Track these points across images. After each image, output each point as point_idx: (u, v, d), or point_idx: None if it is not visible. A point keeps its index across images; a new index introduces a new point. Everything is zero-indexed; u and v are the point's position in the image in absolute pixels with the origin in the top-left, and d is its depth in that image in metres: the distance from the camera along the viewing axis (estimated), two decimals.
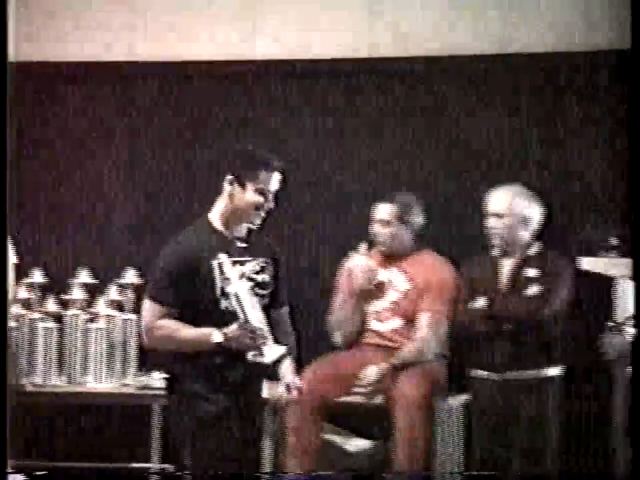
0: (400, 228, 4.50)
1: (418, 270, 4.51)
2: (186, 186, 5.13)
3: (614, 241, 4.28)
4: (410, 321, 4.49)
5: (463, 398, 4.42)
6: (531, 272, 4.08)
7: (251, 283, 3.28)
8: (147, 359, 4.55)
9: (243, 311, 3.18)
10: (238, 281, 3.22)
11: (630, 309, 4.17)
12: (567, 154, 4.70)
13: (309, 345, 4.30)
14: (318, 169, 5.05)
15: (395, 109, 4.91)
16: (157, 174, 5.17)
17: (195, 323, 3.25)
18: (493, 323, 4.11)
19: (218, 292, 3.26)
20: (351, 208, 4.97)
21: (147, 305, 3.35)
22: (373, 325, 4.54)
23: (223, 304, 3.26)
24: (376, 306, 4.54)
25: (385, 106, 4.91)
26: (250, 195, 3.27)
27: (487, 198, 4.22)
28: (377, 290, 4.55)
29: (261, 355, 3.19)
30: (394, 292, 4.53)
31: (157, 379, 4.38)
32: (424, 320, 4.44)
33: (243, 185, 3.27)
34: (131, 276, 4.64)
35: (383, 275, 4.54)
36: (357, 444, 4.56)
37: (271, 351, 3.19)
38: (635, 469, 2.84)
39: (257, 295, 3.28)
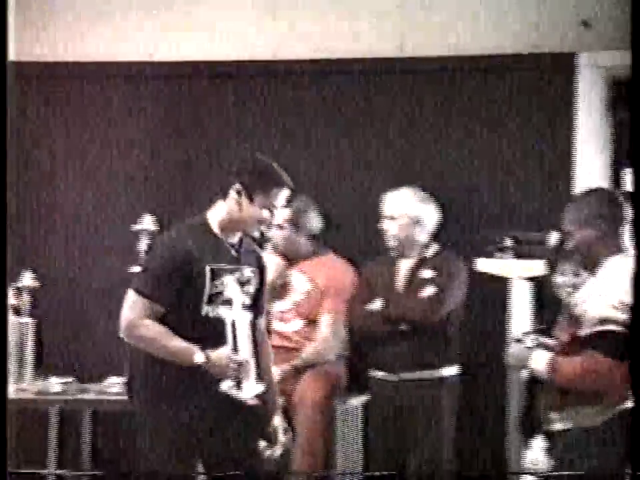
0: (294, 232, 4.57)
1: (319, 272, 4.57)
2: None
3: (508, 242, 4.36)
4: (311, 322, 4.54)
5: (363, 398, 4.48)
6: (427, 273, 4.16)
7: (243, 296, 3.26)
8: (43, 364, 4.54)
9: (234, 339, 3.10)
10: (236, 304, 3.16)
11: (527, 311, 4.30)
12: (464, 155, 4.79)
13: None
14: None
15: (294, 110, 4.96)
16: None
17: (176, 328, 3.16)
18: (390, 324, 4.18)
19: (205, 298, 3.20)
20: None
21: (134, 298, 3.21)
22: (275, 325, 4.57)
23: (205, 310, 3.21)
24: (278, 307, 4.60)
25: (281, 107, 4.95)
26: (256, 209, 3.23)
27: (383, 201, 4.28)
28: (280, 290, 4.61)
29: (238, 389, 3.11)
30: (295, 293, 4.58)
31: (55, 384, 4.38)
32: (325, 321, 4.49)
33: (250, 198, 3.22)
34: (27, 279, 4.58)
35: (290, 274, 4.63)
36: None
37: (250, 388, 3.12)
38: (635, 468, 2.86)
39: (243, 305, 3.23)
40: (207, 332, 3.17)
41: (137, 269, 4.06)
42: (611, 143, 4.74)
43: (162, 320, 3.17)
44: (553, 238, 4.01)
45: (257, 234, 3.34)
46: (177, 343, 3.16)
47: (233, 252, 3.28)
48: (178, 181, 5.07)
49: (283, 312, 4.59)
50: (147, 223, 4.58)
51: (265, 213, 3.24)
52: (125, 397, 3.48)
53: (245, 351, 3.11)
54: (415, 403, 4.14)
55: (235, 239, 3.30)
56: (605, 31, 4.56)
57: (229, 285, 3.18)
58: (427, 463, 4.15)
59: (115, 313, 3.26)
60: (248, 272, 3.31)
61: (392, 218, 4.23)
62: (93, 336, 4.88)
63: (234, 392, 3.09)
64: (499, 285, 4.40)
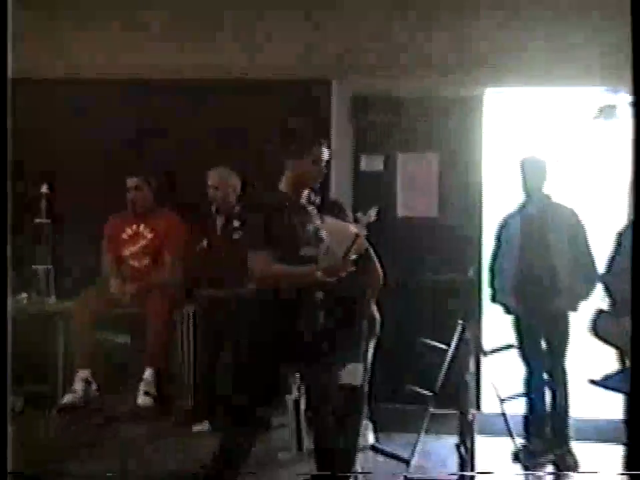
0: (146, 193, 6.47)
1: (158, 223, 6.49)
2: None
3: None
4: (155, 259, 6.47)
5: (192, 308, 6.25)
6: (236, 223, 6.13)
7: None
8: None
9: None
10: None
11: None
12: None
13: None
14: None
15: None
16: None
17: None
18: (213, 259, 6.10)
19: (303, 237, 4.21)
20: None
21: (255, 255, 4.17)
22: (131, 262, 6.50)
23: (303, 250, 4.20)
24: (132, 248, 6.50)
25: None
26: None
27: (208, 176, 6.23)
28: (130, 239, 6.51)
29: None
30: (143, 239, 6.50)
31: None
32: (167, 258, 6.43)
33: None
34: None
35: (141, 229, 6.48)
36: (124, 339, 6.35)
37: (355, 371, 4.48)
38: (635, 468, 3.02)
39: None
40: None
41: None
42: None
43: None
44: None
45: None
46: (302, 269, 4.18)
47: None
48: None
49: (135, 253, 6.52)
50: None
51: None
52: None
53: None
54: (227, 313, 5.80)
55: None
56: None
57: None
58: None
59: None
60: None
61: (215, 187, 6.18)
62: None
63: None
64: None
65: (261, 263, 4.19)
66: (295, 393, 5.51)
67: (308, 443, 5.26)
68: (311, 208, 4.37)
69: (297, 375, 5.39)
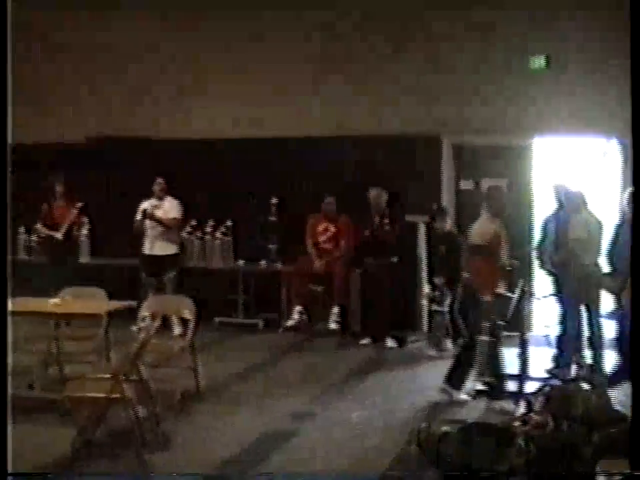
0: (332, 206, 10.99)
1: (339, 223, 10.89)
2: None
3: None
4: (337, 243, 10.88)
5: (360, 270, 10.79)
6: (385, 220, 10.55)
7: None
8: None
9: None
10: None
11: None
12: None
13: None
14: None
15: None
16: None
17: None
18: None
19: None
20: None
21: None
22: (322, 245, 10.97)
23: None
24: (323, 237, 11.00)
25: None
26: None
27: (369, 193, 10.71)
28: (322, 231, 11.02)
29: None
30: (330, 232, 10.95)
31: None
32: (343, 243, 10.83)
33: None
34: None
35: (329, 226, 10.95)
36: (321, 288, 10.72)
37: None
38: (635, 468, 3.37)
39: None
40: None
41: None
42: None
43: None
44: None
45: None
46: None
47: None
48: None
49: (325, 240, 11.13)
50: None
51: None
52: None
53: None
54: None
55: None
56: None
57: None
58: None
59: None
60: None
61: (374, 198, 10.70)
62: None
63: None
64: None
65: None
66: None
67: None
68: None
69: None
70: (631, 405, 4.05)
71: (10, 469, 4.14)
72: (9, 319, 4.25)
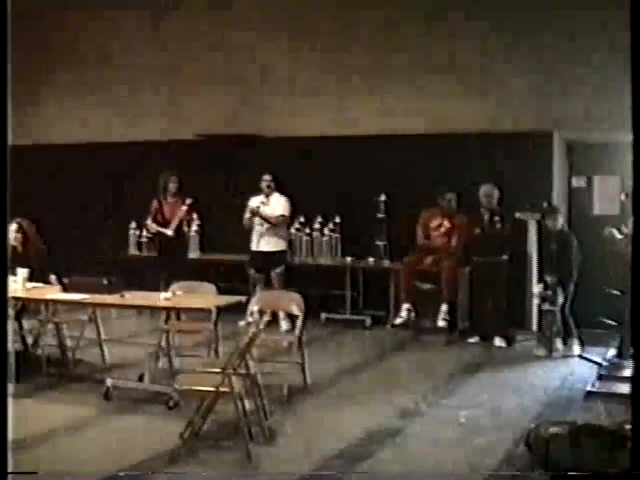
0: (452, 203, 10.88)
1: (455, 219, 10.77)
2: None
3: None
4: (449, 240, 10.78)
5: (469, 268, 10.64)
6: (497, 218, 10.39)
7: None
8: None
9: None
10: None
11: None
12: None
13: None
14: None
15: None
16: None
17: None
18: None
19: None
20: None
21: None
22: (433, 241, 10.90)
23: None
24: (436, 232, 10.90)
25: None
26: None
27: (480, 189, 10.59)
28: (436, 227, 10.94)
29: None
30: (444, 228, 10.86)
31: None
32: (454, 239, 10.74)
33: None
34: None
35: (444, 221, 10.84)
36: (429, 286, 10.72)
37: None
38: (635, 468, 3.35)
39: None
40: None
41: None
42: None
43: None
44: None
45: None
46: None
47: None
48: None
49: (436, 235, 11.03)
50: None
51: None
52: None
53: None
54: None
55: None
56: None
57: None
58: None
59: None
60: None
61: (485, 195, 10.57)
62: None
63: None
64: None
65: None
66: None
67: None
68: None
69: None
70: (631, 405, 4.02)
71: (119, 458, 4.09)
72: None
